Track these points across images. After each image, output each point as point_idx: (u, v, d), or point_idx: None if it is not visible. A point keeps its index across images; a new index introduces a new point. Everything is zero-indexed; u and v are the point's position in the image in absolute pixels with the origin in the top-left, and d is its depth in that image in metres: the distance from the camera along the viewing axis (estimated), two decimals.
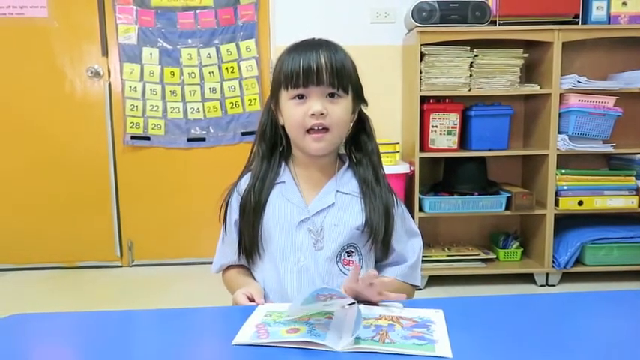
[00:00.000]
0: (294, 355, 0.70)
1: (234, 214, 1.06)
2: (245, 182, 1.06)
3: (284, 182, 1.04)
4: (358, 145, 1.06)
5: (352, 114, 1.03)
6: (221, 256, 1.11)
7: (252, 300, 0.93)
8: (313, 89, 0.96)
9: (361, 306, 0.84)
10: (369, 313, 0.83)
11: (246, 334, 0.75)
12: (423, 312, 0.84)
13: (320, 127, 0.97)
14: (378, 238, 1.00)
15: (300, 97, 0.97)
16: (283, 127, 1.03)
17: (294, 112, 0.98)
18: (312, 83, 0.96)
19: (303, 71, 0.95)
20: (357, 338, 0.73)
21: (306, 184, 1.04)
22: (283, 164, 1.06)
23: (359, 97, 1.03)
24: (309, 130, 0.98)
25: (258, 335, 0.75)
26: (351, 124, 1.04)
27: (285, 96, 0.99)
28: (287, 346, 0.72)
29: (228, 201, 1.07)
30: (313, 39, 1.02)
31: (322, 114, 0.96)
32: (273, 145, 1.05)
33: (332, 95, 0.97)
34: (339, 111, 0.98)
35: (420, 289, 2.54)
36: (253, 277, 1.06)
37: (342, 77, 0.97)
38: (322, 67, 0.95)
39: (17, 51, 2.82)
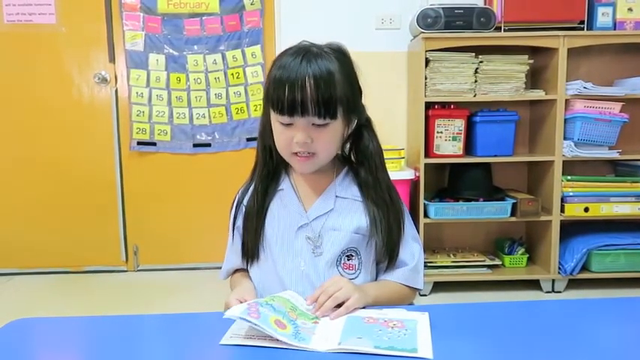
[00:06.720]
0: (279, 355, 0.73)
1: (237, 220, 1.08)
2: (247, 189, 1.07)
3: (282, 190, 1.05)
4: (359, 147, 1.04)
5: (346, 127, 1.00)
6: (227, 262, 1.13)
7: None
8: (299, 119, 0.94)
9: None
10: (355, 315, 0.85)
11: (238, 308, 0.79)
12: (409, 314, 0.85)
13: (305, 153, 0.97)
14: (381, 241, 0.99)
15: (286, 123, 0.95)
16: None
17: (281, 137, 0.97)
18: (297, 115, 0.93)
19: (288, 102, 0.92)
20: (341, 340, 0.76)
21: (306, 190, 1.04)
22: (283, 171, 1.06)
23: (354, 112, 0.99)
24: (295, 152, 0.97)
25: (249, 312, 0.78)
26: (349, 132, 1.01)
27: (273, 115, 0.97)
28: (271, 346, 0.74)
29: (232, 207, 1.09)
30: (304, 53, 0.96)
31: (307, 142, 0.95)
32: (271, 152, 1.04)
33: (319, 124, 0.94)
34: (326, 138, 0.96)
35: (425, 294, 2.53)
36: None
37: (330, 106, 0.93)
38: (307, 99, 0.91)
39: (25, 57, 2.85)
